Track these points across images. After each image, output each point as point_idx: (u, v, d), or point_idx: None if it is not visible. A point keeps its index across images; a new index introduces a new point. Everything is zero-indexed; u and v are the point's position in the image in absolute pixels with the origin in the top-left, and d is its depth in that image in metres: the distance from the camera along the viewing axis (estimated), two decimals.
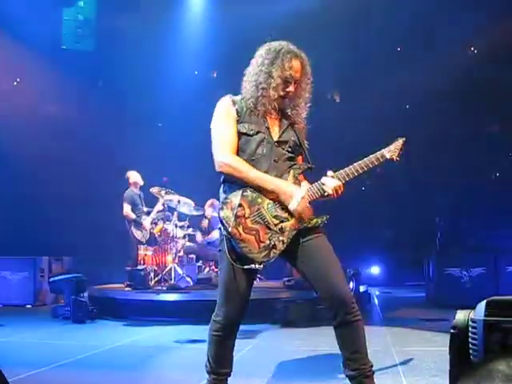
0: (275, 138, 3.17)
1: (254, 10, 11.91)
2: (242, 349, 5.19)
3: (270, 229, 3.02)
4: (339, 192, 3.08)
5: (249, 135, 3.14)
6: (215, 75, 14.72)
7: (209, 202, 9.81)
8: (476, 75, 11.40)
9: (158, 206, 9.03)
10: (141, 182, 9.34)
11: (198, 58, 13.39)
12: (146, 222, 8.98)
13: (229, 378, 3.26)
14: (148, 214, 9.12)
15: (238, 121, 3.16)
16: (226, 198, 3.07)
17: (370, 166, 3.10)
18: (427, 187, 12.69)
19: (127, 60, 12.70)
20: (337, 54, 11.45)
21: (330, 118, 11.71)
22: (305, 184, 3.15)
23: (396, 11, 11.67)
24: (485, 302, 2.56)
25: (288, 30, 11.22)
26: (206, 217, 9.82)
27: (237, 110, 3.17)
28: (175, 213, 8.88)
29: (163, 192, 8.89)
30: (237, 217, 3.02)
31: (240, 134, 3.15)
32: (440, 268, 8.26)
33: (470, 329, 2.58)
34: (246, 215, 3.04)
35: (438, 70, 11.30)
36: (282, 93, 3.12)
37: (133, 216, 8.98)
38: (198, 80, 13.85)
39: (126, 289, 8.33)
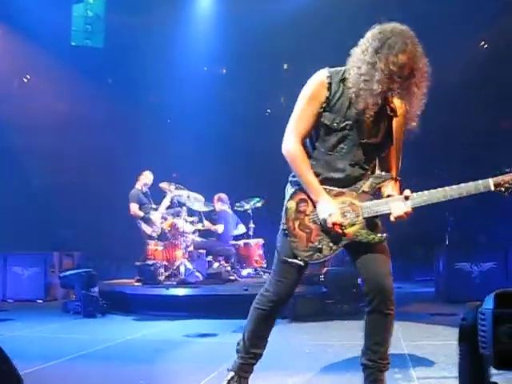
0: (362, 139, 2.99)
1: (264, 6, 11.89)
2: None
3: (323, 232, 2.98)
4: (403, 218, 2.94)
5: (331, 128, 2.98)
6: (224, 72, 14.72)
7: (216, 197, 9.85)
8: (489, 70, 11.31)
9: (166, 201, 9.05)
10: (150, 183, 9.40)
11: (208, 55, 13.40)
12: (155, 216, 9.00)
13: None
14: (156, 209, 9.14)
15: (324, 108, 2.96)
16: (297, 190, 3.06)
17: (465, 194, 2.88)
18: (439, 182, 12.63)
19: (137, 57, 12.72)
20: (344, 48, 11.41)
21: None
22: (393, 193, 3.01)
23: (405, 4, 11.60)
24: (494, 294, 2.56)
25: (296, 27, 11.29)
26: (216, 211, 9.84)
27: (328, 96, 2.95)
28: (184, 208, 8.91)
29: (173, 187, 8.91)
30: (298, 211, 3.04)
31: (323, 124, 2.99)
32: (450, 263, 8.22)
33: (479, 321, 2.58)
34: (307, 212, 3.03)
35: (451, 65, 11.22)
36: (385, 88, 2.82)
37: (141, 214, 9.02)
38: (208, 76, 13.87)
39: (136, 284, 8.37)
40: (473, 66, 11.05)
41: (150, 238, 8.89)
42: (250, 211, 9.92)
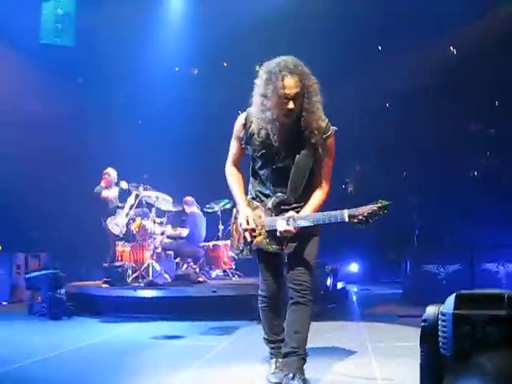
0: (275, 163, 3.49)
1: (236, 7, 11.90)
2: (220, 344, 5.20)
3: (243, 237, 3.61)
4: (287, 235, 3.40)
5: (254, 156, 3.58)
6: (196, 72, 14.68)
7: (184, 200, 9.83)
8: (456, 74, 11.49)
9: (130, 200, 8.99)
10: (113, 180, 9.37)
11: (179, 55, 13.36)
12: (120, 216, 8.94)
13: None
14: (122, 208, 9.09)
15: (244, 143, 3.57)
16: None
17: (327, 221, 3.26)
18: (406, 185, 12.78)
19: (108, 56, 12.60)
20: (315, 51, 11.47)
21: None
22: (290, 213, 3.43)
23: (376, 8, 11.71)
24: (454, 295, 2.59)
25: (268, 27, 11.33)
26: (185, 213, 9.82)
27: (245, 133, 3.53)
28: (153, 209, 8.86)
29: (141, 188, 8.86)
30: (235, 217, 3.80)
31: (250, 155, 3.63)
32: (417, 265, 8.31)
33: (439, 322, 2.61)
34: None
35: (417, 69, 11.37)
36: (281, 111, 3.30)
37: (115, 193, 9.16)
38: (179, 77, 13.81)
39: (104, 285, 8.28)
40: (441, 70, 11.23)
41: (116, 237, 8.81)
42: (219, 212, 9.91)
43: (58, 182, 12.06)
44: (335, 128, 3.47)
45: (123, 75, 12.65)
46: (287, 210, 3.49)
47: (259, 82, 3.35)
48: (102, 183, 9.32)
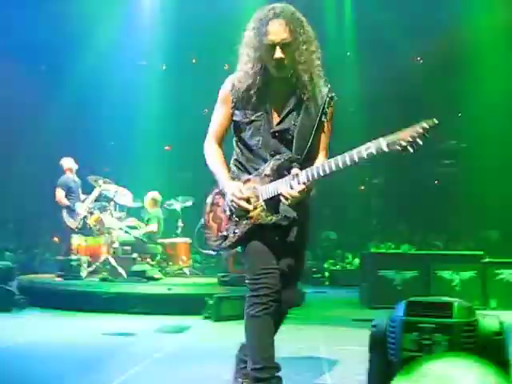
0: (273, 127, 2.93)
1: (205, 6, 11.86)
2: (170, 343, 5.14)
3: (230, 220, 2.94)
4: (294, 197, 2.72)
5: (243, 123, 2.97)
6: (164, 67, 14.56)
7: (150, 197, 9.69)
8: (418, 83, 11.67)
9: (94, 194, 8.85)
10: (74, 167, 9.19)
11: (147, 49, 13.26)
12: (80, 209, 8.78)
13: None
14: (83, 201, 8.93)
15: (233, 106, 2.97)
16: (216, 186, 3.06)
17: (356, 159, 2.59)
18: (368, 192, 12.91)
19: (72, 45, 12.41)
20: None
21: None
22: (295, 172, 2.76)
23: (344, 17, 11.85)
24: (405, 302, 2.60)
25: (238, 28, 11.32)
26: (146, 209, 9.70)
27: (234, 94, 2.95)
28: (111, 203, 8.73)
29: (101, 181, 8.72)
30: (212, 204, 3.09)
31: (237, 122, 3.00)
32: (374, 270, 8.37)
33: (389, 328, 2.61)
34: (220, 204, 3.04)
35: (382, 76, 11.51)
36: (270, 63, 2.82)
37: (66, 202, 8.81)
38: (146, 71, 13.71)
39: (57, 279, 8.11)
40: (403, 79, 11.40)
41: (72, 230, 8.66)
42: (178, 209, 9.83)
43: (13, 172, 11.81)
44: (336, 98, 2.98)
45: (88, 65, 12.47)
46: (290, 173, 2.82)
47: (246, 33, 2.88)
48: (68, 173, 9.18)
